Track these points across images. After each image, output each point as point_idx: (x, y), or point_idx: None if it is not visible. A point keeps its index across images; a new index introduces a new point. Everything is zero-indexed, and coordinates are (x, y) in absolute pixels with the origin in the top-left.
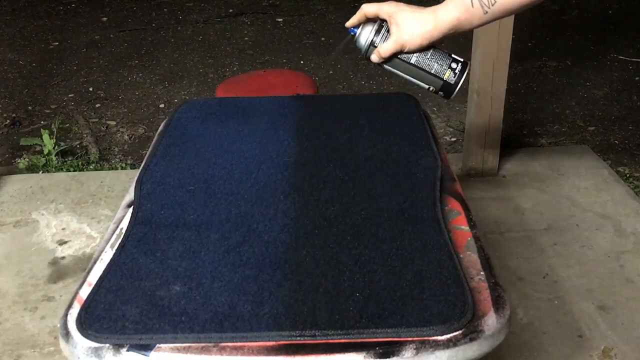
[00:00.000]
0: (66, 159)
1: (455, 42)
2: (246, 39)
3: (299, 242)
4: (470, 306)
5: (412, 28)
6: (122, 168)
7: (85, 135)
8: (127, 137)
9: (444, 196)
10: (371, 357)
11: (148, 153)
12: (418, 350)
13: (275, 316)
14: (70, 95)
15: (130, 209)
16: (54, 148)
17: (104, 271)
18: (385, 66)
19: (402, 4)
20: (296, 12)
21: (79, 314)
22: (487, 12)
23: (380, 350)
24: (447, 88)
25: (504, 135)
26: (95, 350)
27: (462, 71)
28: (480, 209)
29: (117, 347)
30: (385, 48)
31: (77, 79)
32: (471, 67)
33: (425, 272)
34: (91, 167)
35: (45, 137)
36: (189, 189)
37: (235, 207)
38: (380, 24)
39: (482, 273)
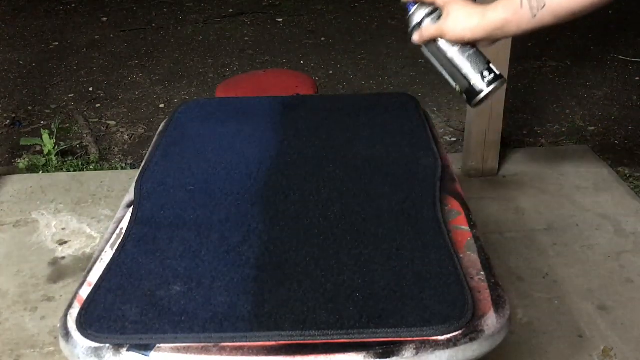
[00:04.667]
0: (66, 159)
1: None
2: (246, 39)
3: (299, 242)
4: (470, 306)
5: (458, 19)
6: (122, 168)
7: (85, 135)
8: (127, 137)
9: (444, 196)
10: (371, 357)
11: (148, 153)
12: (418, 350)
13: (275, 316)
14: (70, 95)
15: (130, 209)
16: (54, 148)
17: (104, 271)
18: (423, 50)
19: None
20: (296, 12)
21: (79, 314)
22: (535, 15)
23: (380, 350)
24: (471, 93)
25: (504, 135)
26: (95, 350)
27: (492, 82)
28: (480, 209)
29: (117, 347)
30: (427, 29)
31: (77, 79)
32: None
33: (425, 272)
34: (91, 167)
35: (45, 137)
36: (189, 189)
37: (235, 207)
38: (435, 9)
39: (482, 273)
